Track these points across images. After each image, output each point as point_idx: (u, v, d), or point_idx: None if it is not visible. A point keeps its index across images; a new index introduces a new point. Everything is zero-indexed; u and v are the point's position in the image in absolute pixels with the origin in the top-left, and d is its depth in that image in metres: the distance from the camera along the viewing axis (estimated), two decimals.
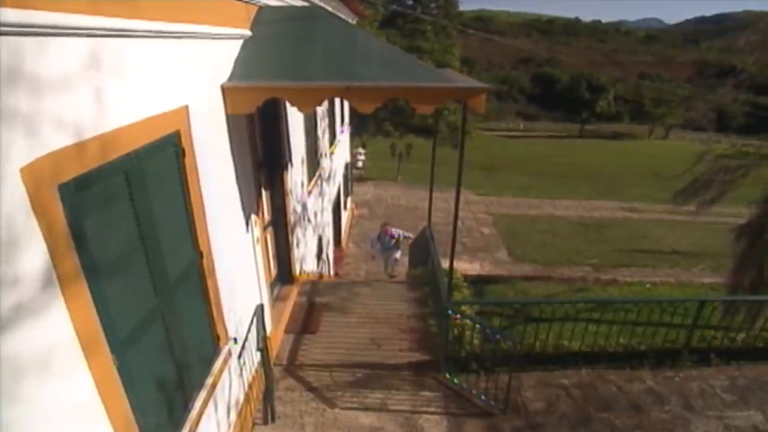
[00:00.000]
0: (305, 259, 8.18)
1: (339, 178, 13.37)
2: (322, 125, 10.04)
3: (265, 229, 6.18)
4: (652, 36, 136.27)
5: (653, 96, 60.74)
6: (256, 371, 4.85)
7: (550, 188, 24.48)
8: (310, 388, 5.23)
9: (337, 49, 4.12)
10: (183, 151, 3.12)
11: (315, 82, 3.77)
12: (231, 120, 4.03)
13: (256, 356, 4.83)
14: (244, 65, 3.98)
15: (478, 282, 11.66)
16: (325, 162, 10.36)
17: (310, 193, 8.35)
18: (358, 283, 8.17)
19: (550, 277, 12.65)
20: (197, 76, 3.37)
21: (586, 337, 5.80)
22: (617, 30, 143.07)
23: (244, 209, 4.53)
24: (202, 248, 3.48)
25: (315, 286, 7.58)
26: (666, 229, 18.13)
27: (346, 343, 6.01)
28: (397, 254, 10.80)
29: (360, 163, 24.17)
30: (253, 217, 4.89)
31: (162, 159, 2.91)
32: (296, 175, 7.29)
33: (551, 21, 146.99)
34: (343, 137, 14.62)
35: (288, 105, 6.51)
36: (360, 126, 23.70)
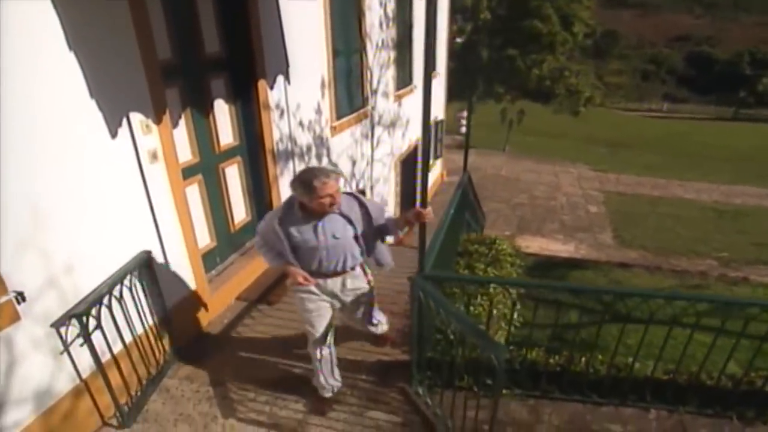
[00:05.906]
0: None
1: (415, 132, 11.44)
2: (380, 56, 8.18)
3: (228, 157, 4.61)
4: None
5: None
6: (129, 350, 3.27)
7: (683, 169, 20.22)
8: (217, 382, 3.57)
9: None
10: None
11: None
12: None
13: (134, 327, 3.29)
14: None
15: (560, 266, 9.23)
16: (381, 103, 8.52)
17: (335, 129, 6.62)
18: None
19: (658, 267, 9.80)
20: None
21: (683, 354, 3.39)
22: None
23: (101, 100, 2.90)
24: None
25: None
26: None
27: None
28: (365, 281, 3.44)
29: (463, 129, 21.91)
30: (140, 117, 3.25)
31: None
32: (304, 97, 5.60)
33: None
34: (434, 86, 12.58)
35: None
36: (467, 87, 21.24)
